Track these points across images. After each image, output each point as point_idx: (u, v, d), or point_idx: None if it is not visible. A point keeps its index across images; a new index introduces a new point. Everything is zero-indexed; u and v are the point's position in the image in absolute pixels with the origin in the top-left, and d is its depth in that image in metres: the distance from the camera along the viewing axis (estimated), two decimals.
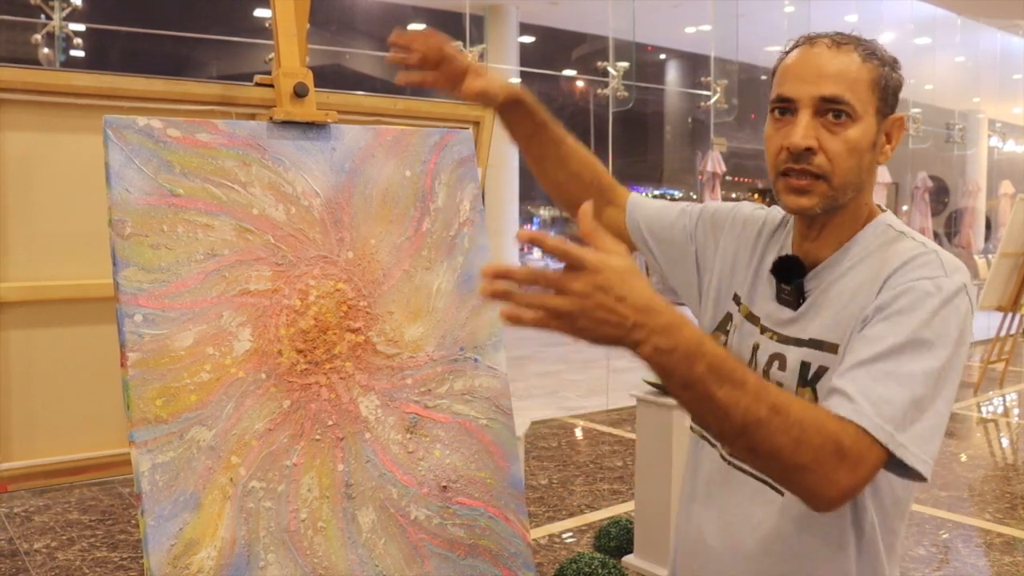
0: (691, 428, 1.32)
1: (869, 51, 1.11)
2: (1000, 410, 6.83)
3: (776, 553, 1.17)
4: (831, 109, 1.07)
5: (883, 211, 1.18)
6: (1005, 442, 5.82)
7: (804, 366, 1.13)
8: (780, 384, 1.15)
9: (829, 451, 0.92)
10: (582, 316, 0.84)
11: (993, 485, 4.73)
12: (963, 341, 1.04)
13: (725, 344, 1.27)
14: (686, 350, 0.86)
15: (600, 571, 3.20)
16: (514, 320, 0.84)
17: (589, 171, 1.44)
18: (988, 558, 3.68)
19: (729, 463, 1.23)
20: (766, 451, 0.92)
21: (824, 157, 1.08)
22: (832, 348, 1.11)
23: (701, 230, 1.36)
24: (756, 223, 1.30)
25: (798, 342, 1.15)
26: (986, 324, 10.06)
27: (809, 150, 1.08)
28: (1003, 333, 7.25)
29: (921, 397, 0.99)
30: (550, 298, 0.84)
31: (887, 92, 1.11)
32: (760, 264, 1.25)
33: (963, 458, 5.26)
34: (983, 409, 6.75)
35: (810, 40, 1.13)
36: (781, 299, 1.19)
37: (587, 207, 0.88)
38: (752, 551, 1.19)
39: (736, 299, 1.27)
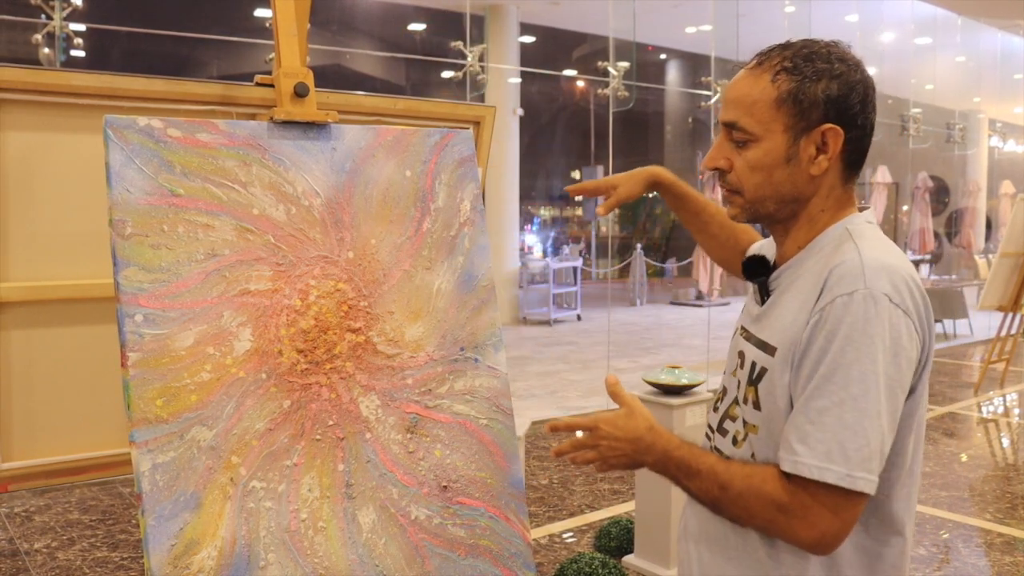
0: (707, 435, 1.33)
1: (788, 67, 1.13)
2: (1000, 410, 6.82)
3: (757, 551, 1.18)
4: (732, 133, 1.17)
5: (861, 210, 1.20)
6: (1005, 442, 5.82)
7: (752, 366, 1.18)
8: (739, 382, 1.21)
9: (772, 512, 1.07)
10: (603, 458, 1.18)
11: (993, 485, 4.72)
12: (892, 346, 1.05)
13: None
14: (662, 460, 1.16)
15: (600, 571, 3.20)
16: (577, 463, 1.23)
17: (725, 233, 1.58)
18: (988, 558, 3.68)
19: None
20: (734, 520, 1.14)
21: (735, 175, 1.19)
22: (772, 351, 1.14)
23: None
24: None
25: (756, 341, 1.20)
26: (986, 324, 10.07)
27: (717, 169, 1.20)
28: (1003, 333, 7.25)
29: (852, 421, 1.03)
30: (585, 454, 1.20)
31: (803, 106, 1.12)
32: None
33: (963, 458, 5.26)
34: (983, 409, 6.75)
35: (751, 60, 1.20)
36: (755, 297, 1.26)
37: (611, 378, 1.24)
38: (734, 547, 1.21)
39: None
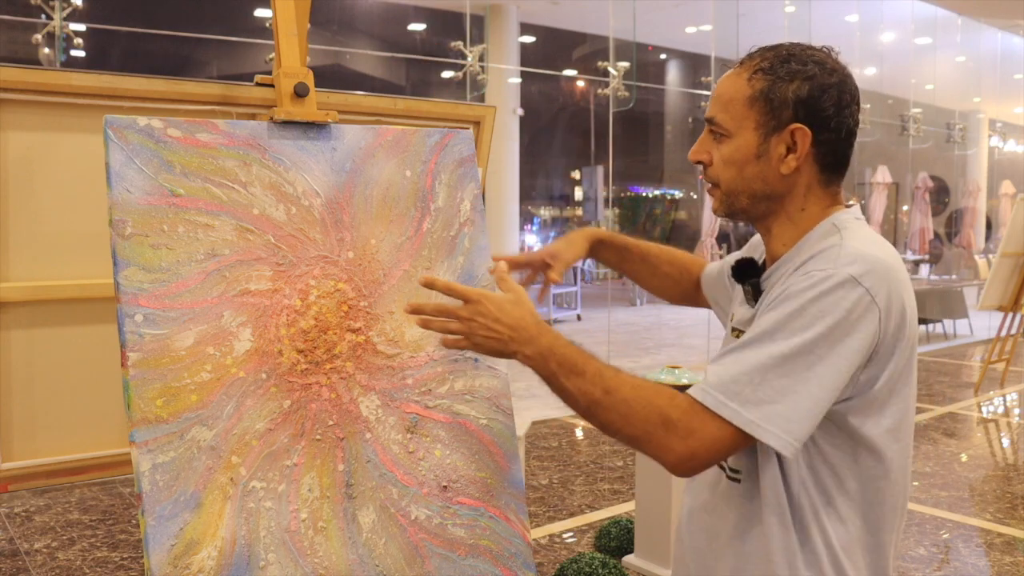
0: None
1: (763, 67, 1.17)
2: (1000, 410, 6.82)
3: (742, 544, 1.20)
4: (711, 128, 1.22)
5: (848, 207, 1.22)
6: (1006, 442, 5.82)
7: None
8: None
9: (655, 423, 1.08)
10: (471, 334, 1.19)
11: (993, 485, 4.72)
12: (840, 328, 1.06)
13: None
14: (542, 353, 1.15)
15: (601, 571, 3.20)
16: (433, 329, 1.23)
17: (676, 269, 1.61)
18: (988, 558, 3.68)
19: (720, 467, 1.25)
20: (605, 426, 1.12)
21: (713, 168, 1.23)
22: None
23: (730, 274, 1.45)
24: (759, 242, 1.36)
25: None
26: (987, 324, 10.06)
27: (699, 163, 1.24)
28: (1004, 333, 7.25)
29: (779, 378, 1.05)
30: (449, 324, 1.21)
31: (773, 104, 1.15)
32: None
33: (963, 458, 5.26)
34: (983, 409, 6.75)
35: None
36: (747, 300, 1.27)
37: (501, 265, 1.29)
38: (724, 543, 1.23)
39: (731, 317, 1.35)
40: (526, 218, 18.41)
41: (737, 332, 1.26)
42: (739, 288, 1.32)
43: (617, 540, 3.63)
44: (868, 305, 1.07)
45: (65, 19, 6.07)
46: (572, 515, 4.12)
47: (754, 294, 1.24)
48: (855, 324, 1.07)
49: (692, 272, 1.59)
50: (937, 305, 10.03)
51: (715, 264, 1.56)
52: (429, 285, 1.26)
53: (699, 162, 1.24)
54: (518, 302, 1.19)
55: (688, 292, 1.61)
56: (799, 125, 1.15)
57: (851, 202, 1.23)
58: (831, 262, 1.10)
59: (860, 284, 1.07)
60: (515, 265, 1.57)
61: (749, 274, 1.26)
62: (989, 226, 16.20)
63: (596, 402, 1.11)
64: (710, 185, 1.24)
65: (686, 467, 1.09)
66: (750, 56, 1.21)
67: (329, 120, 1.61)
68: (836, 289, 1.07)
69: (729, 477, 1.23)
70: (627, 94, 8.90)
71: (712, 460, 1.10)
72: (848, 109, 1.17)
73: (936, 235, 14.13)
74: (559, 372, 1.13)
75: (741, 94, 1.18)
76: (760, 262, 1.30)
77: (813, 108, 1.15)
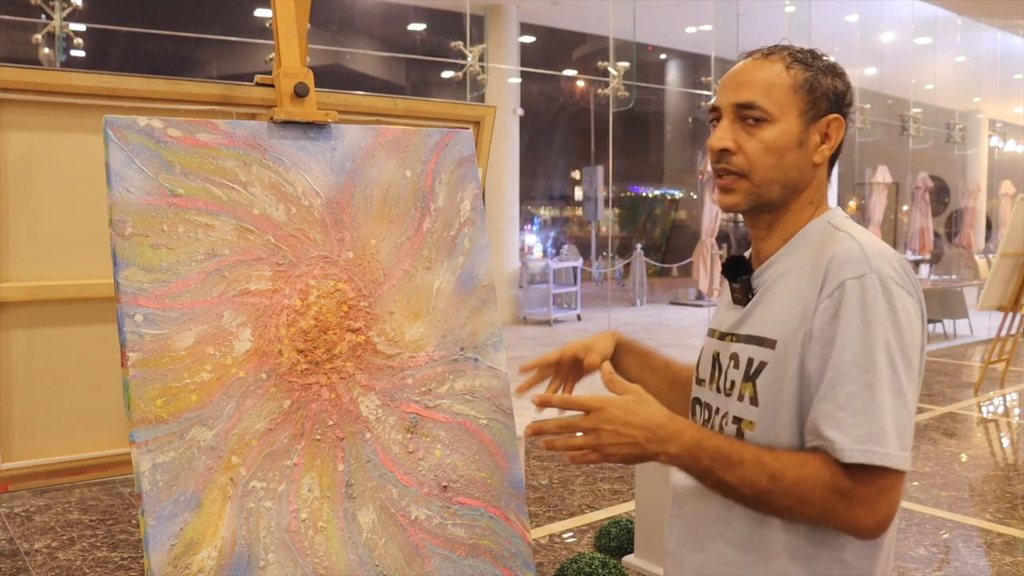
0: None
1: (799, 59, 1.19)
2: (1001, 410, 6.82)
3: (731, 548, 1.18)
4: (747, 114, 1.17)
5: (832, 208, 1.23)
6: (1006, 442, 5.82)
7: (749, 362, 1.18)
8: (733, 382, 1.20)
9: (833, 500, 1.04)
10: (600, 445, 1.09)
11: (993, 485, 4.72)
12: (905, 326, 1.07)
13: (698, 365, 1.33)
14: (690, 450, 1.09)
15: (601, 571, 3.20)
16: (559, 450, 1.13)
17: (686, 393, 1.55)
18: (988, 558, 3.68)
19: None
20: (782, 513, 1.08)
21: (743, 156, 1.18)
22: (771, 344, 1.15)
23: None
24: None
25: (747, 339, 1.19)
26: (987, 324, 10.06)
27: (726, 151, 1.19)
28: (1004, 333, 7.25)
29: (884, 402, 1.04)
30: (575, 439, 1.11)
31: (815, 94, 1.18)
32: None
33: (963, 458, 5.26)
34: (983, 409, 6.75)
35: (747, 54, 1.23)
36: (735, 299, 1.25)
37: (607, 365, 1.20)
38: (708, 551, 1.21)
39: (710, 332, 1.33)
40: (526, 218, 18.41)
41: (730, 336, 1.23)
42: (725, 288, 1.30)
43: (617, 540, 3.63)
44: (913, 303, 1.10)
45: (65, 19, 6.07)
46: (572, 515, 4.12)
47: (743, 291, 1.22)
48: (905, 315, 1.08)
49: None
50: (937, 305, 10.03)
51: None
52: (544, 405, 1.18)
53: (725, 150, 1.18)
54: (642, 400, 1.11)
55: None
56: (836, 116, 1.18)
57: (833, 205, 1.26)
58: (863, 264, 1.08)
59: (895, 281, 1.08)
60: (545, 367, 1.47)
61: (739, 271, 1.24)
62: (989, 226, 16.20)
63: (765, 491, 1.06)
64: (732, 177, 1.19)
65: (881, 529, 1.06)
66: (772, 49, 1.21)
67: (329, 120, 1.61)
68: (879, 294, 1.06)
69: None
70: (627, 94, 8.91)
71: (896, 510, 1.07)
72: (850, 109, 1.23)
73: (936, 235, 14.13)
74: (715, 467, 1.08)
75: (783, 81, 1.17)
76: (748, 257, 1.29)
77: (843, 102, 1.20)
